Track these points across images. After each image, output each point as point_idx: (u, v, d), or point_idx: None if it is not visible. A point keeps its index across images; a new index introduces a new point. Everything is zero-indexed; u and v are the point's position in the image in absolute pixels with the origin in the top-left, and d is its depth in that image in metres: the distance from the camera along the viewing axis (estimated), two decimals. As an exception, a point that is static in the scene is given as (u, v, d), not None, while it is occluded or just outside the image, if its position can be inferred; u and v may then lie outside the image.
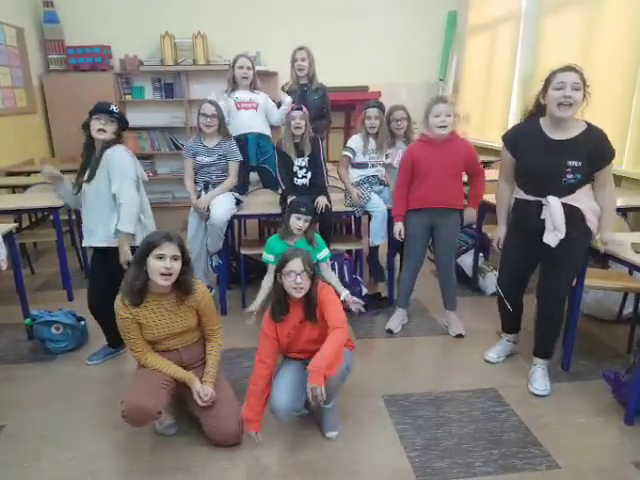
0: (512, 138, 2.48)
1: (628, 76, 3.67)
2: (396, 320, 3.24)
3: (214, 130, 3.26)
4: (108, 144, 2.57)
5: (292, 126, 3.21)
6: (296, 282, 2.08)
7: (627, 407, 2.32)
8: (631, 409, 2.29)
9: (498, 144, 2.83)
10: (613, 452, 2.14)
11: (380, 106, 3.40)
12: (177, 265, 2.03)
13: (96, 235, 2.65)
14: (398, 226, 3.07)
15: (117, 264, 2.55)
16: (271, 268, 2.82)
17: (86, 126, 2.58)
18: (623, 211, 3.21)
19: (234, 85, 3.69)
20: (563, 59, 2.39)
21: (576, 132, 2.29)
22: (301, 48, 3.76)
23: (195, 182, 3.38)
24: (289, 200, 3.06)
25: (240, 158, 3.37)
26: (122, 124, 2.63)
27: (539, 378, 2.57)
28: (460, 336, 3.12)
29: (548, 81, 2.28)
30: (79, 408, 2.46)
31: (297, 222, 2.80)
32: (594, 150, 2.27)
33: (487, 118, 5.90)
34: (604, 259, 2.70)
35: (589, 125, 2.31)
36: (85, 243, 2.76)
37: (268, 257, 2.90)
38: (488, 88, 5.84)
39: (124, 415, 2.00)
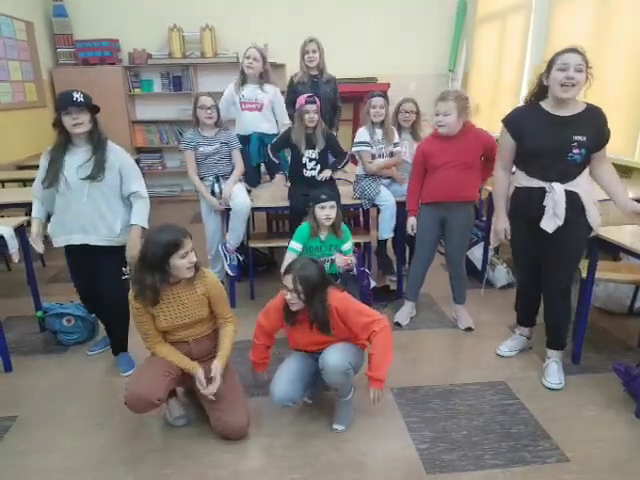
0: (514, 120, 2.44)
1: (640, 66, 3.61)
2: (404, 313, 3.24)
3: (214, 121, 3.31)
4: (96, 137, 2.46)
5: (306, 120, 3.17)
6: (286, 297, 2.11)
7: (638, 400, 2.31)
8: (642, 402, 2.28)
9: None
10: (623, 445, 2.13)
11: (384, 97, 3.38)
12: (195, 255, 2.11)
13: (95, 233, 2.53)
14: (411, 220, 3.08)
15: (120, 263, 2.57)
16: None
17: (57, 123, 2.43)
18: (635, 203, 3.17)
19: (243, 77, 3.65)
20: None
21: (578, 110, 2.30)
22: (311, 40, 3.73)
23: (202, 178, 3.36)
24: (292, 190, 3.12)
25: (240, 145, 3.43)
26: (93, 109, 2.45)
27: (553, 372, 2.55)
28: (469, 329, 3.11)
29: (551, 62, 2.27)
30: (90, 399, 2.49)
31: (323, 212, 2.75)
32: (598, 126, 2.30)
33: (497, 109, 5.83)
34: (615, 251, 2.67)
35: (588, 104, 2.32)
36: (76, 241, 2.54)
37: (295, 246, 2.78)
38: (498, 79, 5.78)
39: (125, 402, 2.06)
